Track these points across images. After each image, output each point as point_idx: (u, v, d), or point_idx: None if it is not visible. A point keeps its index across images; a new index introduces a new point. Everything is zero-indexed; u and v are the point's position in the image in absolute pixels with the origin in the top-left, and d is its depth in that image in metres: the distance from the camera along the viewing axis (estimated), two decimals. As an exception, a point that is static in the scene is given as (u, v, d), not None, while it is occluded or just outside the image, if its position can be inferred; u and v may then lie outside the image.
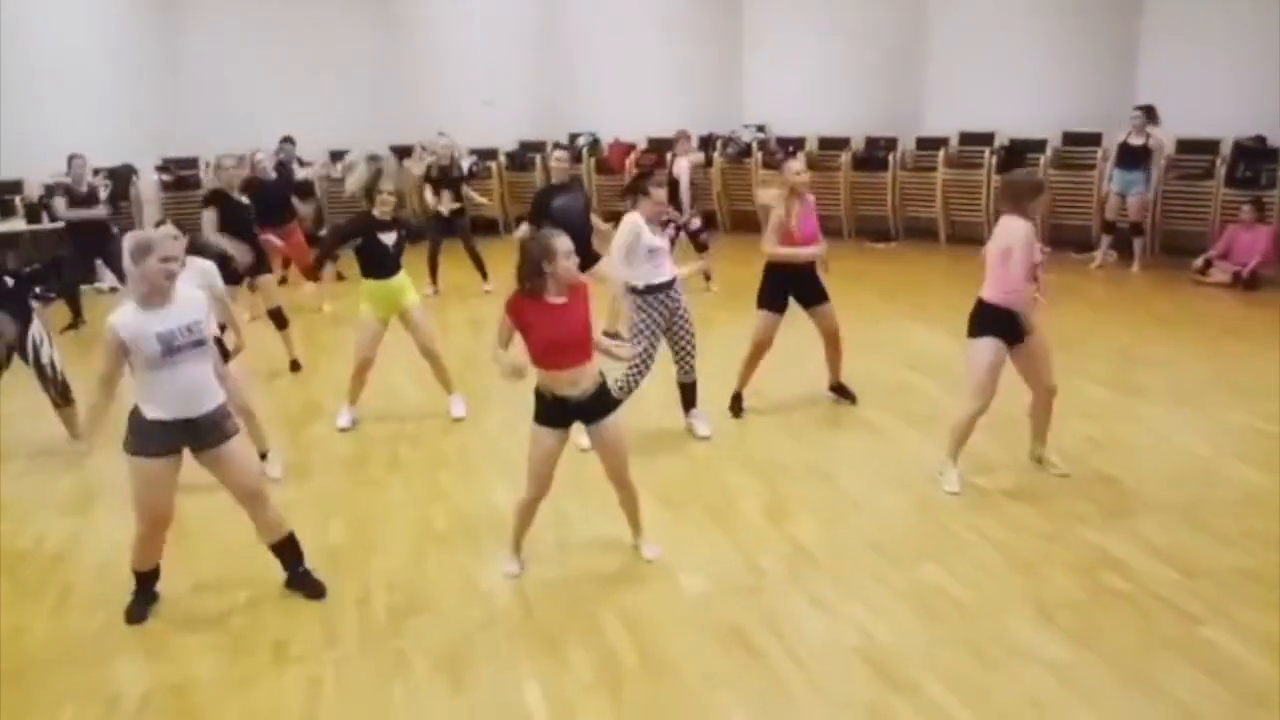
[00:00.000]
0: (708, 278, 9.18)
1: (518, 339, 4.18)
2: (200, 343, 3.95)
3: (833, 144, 11.89)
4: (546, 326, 4.08)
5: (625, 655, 3.85)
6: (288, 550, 4.33)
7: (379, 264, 6.06)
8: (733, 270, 9.32)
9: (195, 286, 4.47)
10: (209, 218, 7.29)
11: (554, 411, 4.20)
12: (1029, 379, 5.06)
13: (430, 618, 4.14)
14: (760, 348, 6.05)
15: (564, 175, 8.02)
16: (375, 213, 6.03)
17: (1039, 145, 10.62)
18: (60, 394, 5.96)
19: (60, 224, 9.53)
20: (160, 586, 4.28)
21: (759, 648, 3.86)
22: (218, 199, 7.45)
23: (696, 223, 9.29)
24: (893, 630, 3.93)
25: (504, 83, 12.69)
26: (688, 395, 5.88)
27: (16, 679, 3.82)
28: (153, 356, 3.86)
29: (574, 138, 12.73)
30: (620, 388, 5.55)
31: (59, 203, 9.28)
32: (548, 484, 4.31)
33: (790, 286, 6.00)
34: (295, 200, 9.61)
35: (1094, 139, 10.50)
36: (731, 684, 3.65)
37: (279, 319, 7.54)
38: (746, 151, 12.22)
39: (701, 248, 9.25)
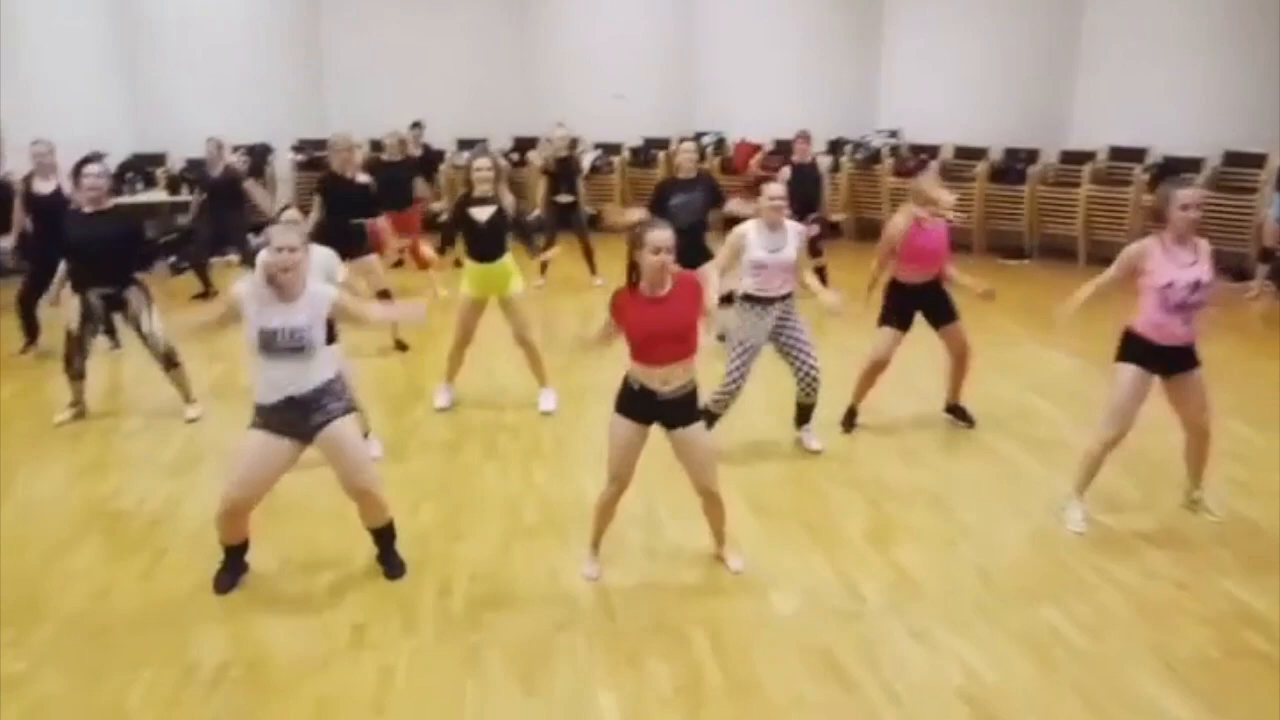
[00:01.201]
0: (820, 278, 8.86)
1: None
2: (300, 349, 3.92)
3: (969, 154, 11.37)
4: (640, 320, 3.90)
5: (708, 671, 3.65)
6: (382, 533, 4.30)
7: (474, 242, 5.98)
8: (853, 280, 8.91)
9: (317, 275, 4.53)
10: (317, 204, 7.32)
11: (635, 403, 4.01)
12: (1180, 416, 4.63)
13: (510, 614, 4.02)
14: (878, 366, 5.73)
15: (690, 170, 7.72)
16: (474, 193, 5.97)
17: (1195, 164, 9.89)
18: (166, 360, 6.09)
19: (199, 198, 9.85)
20: (250, 558, 4.29)
21: (852, 678, 3.59)
22: (325, 183, 7.49)
23: (814, 228, 8.94)
24: (1000, 672, 3.61)
25: (633, 77, 12.61)
26: (803, 412, 5.62)
27: (101, 637, 3.86)
28: (253, 343, 3.92)
29: (699, 136, 12.55)
30: (714, 401, 5.34)
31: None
32: (626, 478, 4.14)
33: (916, 303, 5.67)
34: (420, 181, 9.70)
35: (1257, 160, 9.72)
36: (820, 714, 3.41)
37: (385, 300, 7.58)
38: (876, 157, 11.81)
39: (816, 254, 8.92)
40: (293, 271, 3.89)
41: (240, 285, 3.99)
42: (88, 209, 5.92)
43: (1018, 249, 11.01)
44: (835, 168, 11.66)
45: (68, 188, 7.11)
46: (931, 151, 11.47)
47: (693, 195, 7.32)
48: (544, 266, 9.52)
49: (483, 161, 6.00)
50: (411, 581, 4.25)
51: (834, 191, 10.87)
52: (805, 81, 12.25)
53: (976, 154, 11.32)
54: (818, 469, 5.41)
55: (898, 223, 5.58)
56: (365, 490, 4.14)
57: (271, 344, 3.89)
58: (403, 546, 4.37)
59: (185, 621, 3.95)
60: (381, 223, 7.65)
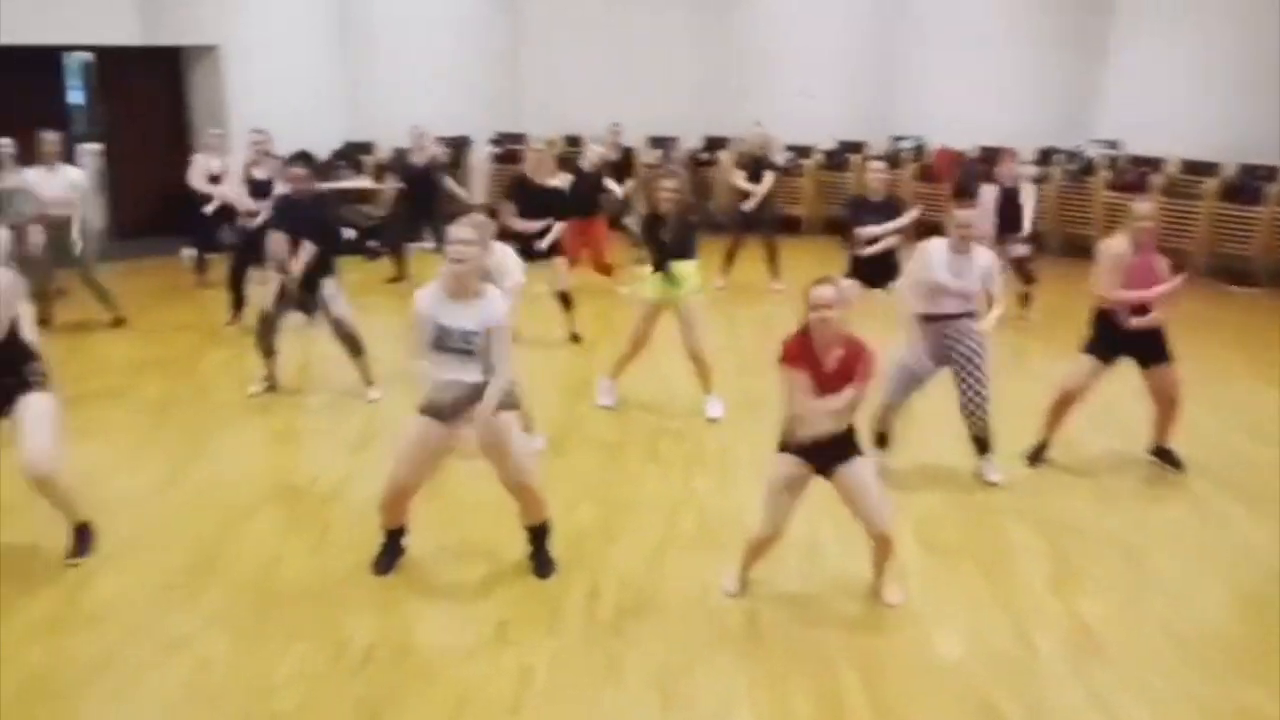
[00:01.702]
0: (1026, 300, 8.31)
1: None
2: (469, 353, 3.95)
3: (1198, 168, 10.40)
4: (810, 382, 3.79)
5: (856, 710, 3.42)
6: (535, 533, 4.29)
7: (656, 255, 5.92)
8: (1057, 301, 8.38)
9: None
10: (508, 208, 7.43)
11: (796, 446, 3.88)
12: None
13: (656, 624, 3.91)
14: (1070, 397, 5.26)
15: (879, 191, 7.31)
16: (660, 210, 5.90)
17: None
18: (351, 346, 6.32)
19: (399, 185, 10.26)
20: (409, 543, 4.36)
21: (1016, 741, 3.28)
22: (516, 186, 7.60)
23: (1022, 249, 8.31)
24: (1193, 758, 3.20)
25: (828, 77, 12.26)
26: (977, 444, 5.24)
27: (264, 607, 4.01)
28: (428, 338, 3.98)
29: (897, 140, 12.07)
30: (874, 418, 5.05)
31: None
32: (780, 523, 3.96)
33: (1126, 339, 5.16)
34: (610, 183, 9.70)
35: None
36: (975, 778, 3.12)
37: (565, 301, 7.63)
38: (1090, 169, 10.99)
39: (1027, 278, 8.33)
40: (466, 268, 3.92)
41: (418, 293, 4.05)
42: (294, 197, 6.24)
43: (1247, 275, 9.98)
44: (1043, 179, 10.93)
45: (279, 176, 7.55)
46: (1154, 165, 10.57)
47: (882, 220, 6.97)
48: (727, 267, 9.39)
49: (669, 183, 5.93)
50: (560, 581, 4.21)
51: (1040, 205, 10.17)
52: (1015, 84, 11.54)
53: (1206, 169, 10.34)
54: (997, 503, 5.02)
55: (1116, 247, 5.07)
56: (524, 486, 4.13)
57: (443, 342, 3.95)
58: (556, 544, 4.34)
59: (341, 599, 4.06)
60: (561, 228, 7.69)
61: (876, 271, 6.78)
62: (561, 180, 7.96)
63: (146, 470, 5.28)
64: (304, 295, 6.30)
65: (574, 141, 12.21)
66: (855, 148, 12.14)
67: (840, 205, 8.98)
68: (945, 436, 5.57)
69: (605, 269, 9.15)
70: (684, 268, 5.94)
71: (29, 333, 4.26)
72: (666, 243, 5.88)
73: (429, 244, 10.83)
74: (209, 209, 8.80)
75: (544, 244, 7.42)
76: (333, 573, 4.26)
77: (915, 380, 5.14)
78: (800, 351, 3.80)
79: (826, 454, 3.87)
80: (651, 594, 4.13)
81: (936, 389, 5.30)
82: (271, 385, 6.46)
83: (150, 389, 6.60)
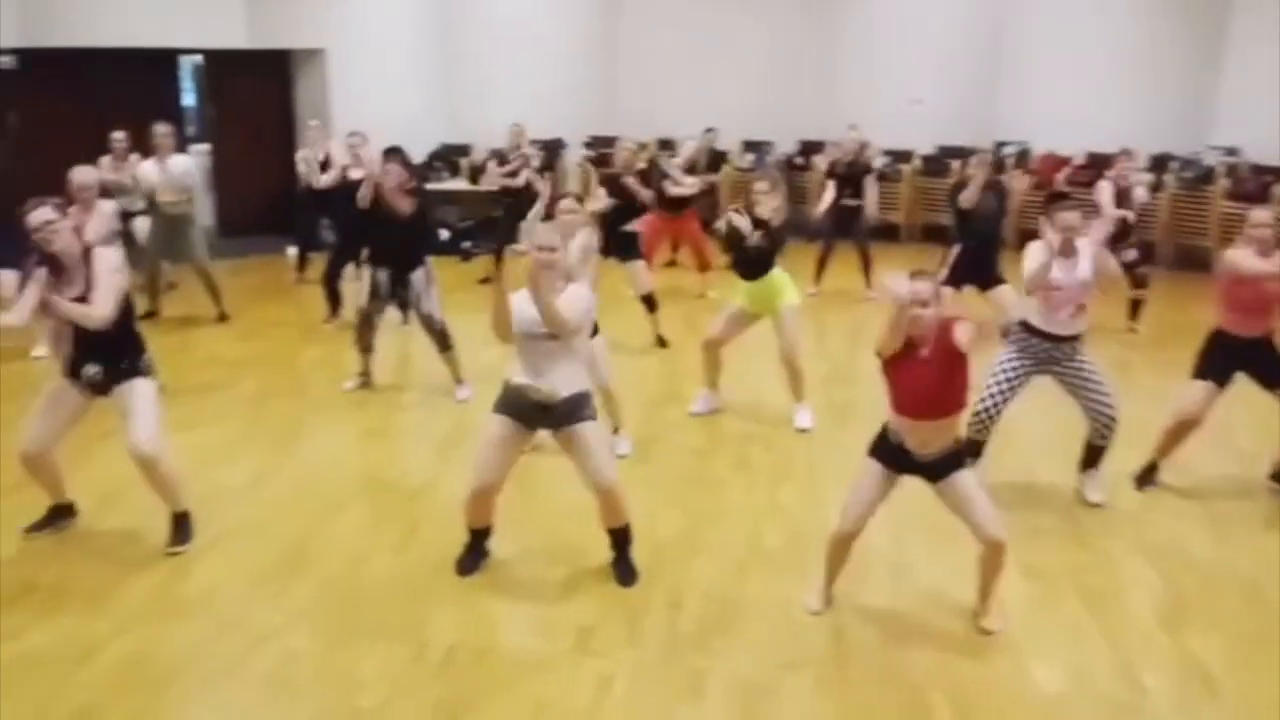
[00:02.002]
0: (1135, 310, 7.95)
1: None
2: (553, 337, 3.92)
3: (1326, 178, 9.83)
4: (906, 374, 3.64)
5: (948, 745, 3.27)
6: (619, 535, 4.23)
7: (743, 263, 5.81)
8: (1168, 314, 8.02)
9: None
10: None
11: (890, 451, 3.76)
12: None
13: (739, 641, 3.81)
14: (1188, 424, 4.97)
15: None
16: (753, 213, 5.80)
17: None
18: (441, 342, 6.37)
19: (494, 187, 10.34)
20: (492, 544, 4.35)
21: (1121, 784, 3.09)
22: (604, 185, 7.60)
23: (1131, 254, 7.96)
24: (1317, 814, 2.96)
25: (930, 80, 11.95)
26: (1092, 454, 4.99)
27: (350, 603, 4.05)
28: (517, 327, 3.96)
29: (1000, 146, 11.69)
30: (970, 426, 4.85)
31: (490, 167, 9.99)
32: (861, 521, 3.84)
33: (1242, 356, 4.87)
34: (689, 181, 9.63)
35: None
36: (1075, 822, 2.94)
37: (650, 303, 7.57)
38: (1208, 177, 10.48)
39: (1138, 284, 7.97)
40: (552, 270, 3.90)
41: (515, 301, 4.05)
42: (388, 197, 6.31)
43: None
44: (1157, 186, 10.46)
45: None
46: (1277, 174, 10.01)
47: (987, 200, 6.83)
48: (819, 274, 9.22)
49: (762, 185, 5.83)
50: (642, 590, 4.14)
51: (1153, 213, 9.74)
52: (1127, 87, 11.10)
53: (1337, 179, 9.76)
54: (1103, 528, 4.77)
55: (1240, 259, 4.77)
56: (607, 489, 4.08)
57: (522, 327, 3.92)
58: (638, 552, 4.28)
59: (425, 598, 4.07)
60: (645, 221, 7.62)
61: (973, 272, 6.60)
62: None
63: (242, 464, 5.40)
64: (398, 293, 6.38)
65: (666, 144, 12.17)
66: (957, 153, 11.80)
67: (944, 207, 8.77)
68: (1039, 452, 5.34)
69: (705, 264, 9.08)
70: (777, 278, 5.82)
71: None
72: (753, 257, 5.75)
73: (524, 246, 10.94)
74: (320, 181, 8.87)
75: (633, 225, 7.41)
76: (418, 571, 4.28)
77: (1019, 383, 4.92)
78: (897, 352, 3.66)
79: (925, 472, 3.74)
80: (734, 608, 4.04)
81: (1033, 399, 5.08)
82: (366, 382, 6.56)
83: (249, 383, 6.76)
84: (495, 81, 11.87)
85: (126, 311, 4.30)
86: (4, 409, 5.92)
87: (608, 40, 12.74)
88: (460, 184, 11.64)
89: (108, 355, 4.25)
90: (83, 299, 4.12)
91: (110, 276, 4.14)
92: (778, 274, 5.82)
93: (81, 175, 6.73)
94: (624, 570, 4.22)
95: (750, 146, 12.26)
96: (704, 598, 4.11)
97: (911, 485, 3.84)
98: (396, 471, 5.38)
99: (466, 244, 10.76)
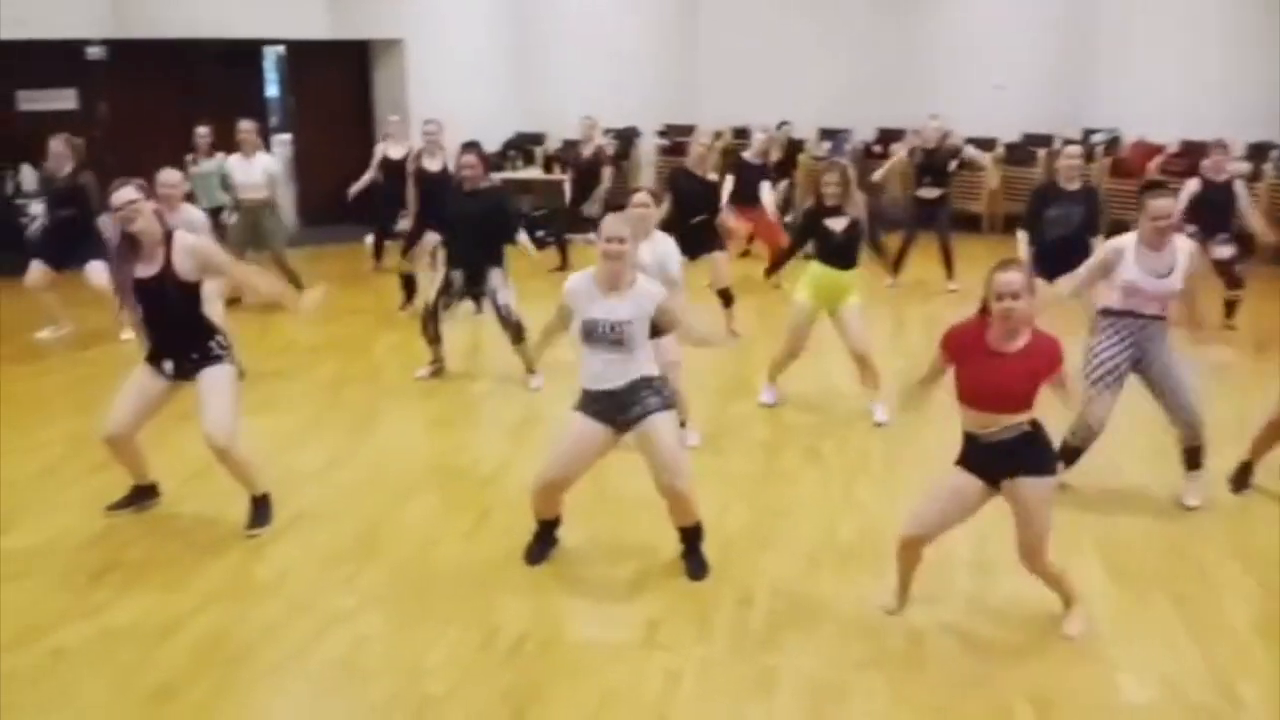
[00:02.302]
0: (1230, 309, 7.60)
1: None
2: (619, 342, 3.88)
3: None
4: (975, 369, 3.48)
5: (1029, 753, 3.14)
6: (687, 534, 4.18)
7: (828, 251, 5.69)
8: (1266, 310, 7.64)
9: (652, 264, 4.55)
10: (666, 201, 7.33)
11: (967, 452, 3.62)
12: None
13: (810, 639, 3.72)
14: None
15: (1073, 180, 6.81)
16: (824, 203, 5.67)
17: None
18: (514, 334, 6.38)
19: (567, 176, 10.35)
20: (562, 534, 4.33)
21: (1215, 803, 2.93)
22: (676, 177, 7.50)
23: (1226, 251, 7.60)
24: None
25: (1015, 66, 11.61)
26: (1189, 456, 4.77)
27: (421, 588, 4.06)
28: (577, 332, 3.95)
29: (1089, 134, 11.30)
30: (1071, 433, 4.66)
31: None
32: (928, 529, 3.71)
33: None
34: (765, 184, 9.49)
35: None
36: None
37: (726, 298, 7.47)
38: (1311, 166, 9.98)
39: (1233, 283, 7.62)
40: (619, 262, 3.84)
41: (570, 279, 4.01)
42: (466, 188, 6.34)
43: None
44: (1255, 176, 9.99)
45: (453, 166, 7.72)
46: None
47: (1072, 209, 6.51)
48: (897, 267, 9.03)
49: (831, 176, 5.69)
50: (712, 585, 4.08)
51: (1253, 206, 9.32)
52: (1222, 74, 10.63)
53: None
54: (1196, 532, 4.56)
55: None
56: (676, 490, 4.02)
57: (592, 334, 3.89)
58: (707, 546, 4.21)
59: (495, 586, 4.06)
60: (732, 221, 7.51)
61: (1060, 265, 6.35)
62: (716, 176, 7.79)
63: (317, 448, 5.48)
64: (471, 284, 6.41)
65: (742, 134, 12.04)
66: (1043, 141, 11.45)
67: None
68: (1129, 454, 5.13)
69: (776, 256, 8.95)
70: (849, 275, 5.70)
71: (213, 307, 4.46)
72: (842, 244, 5.63)
73: (593, 236, 10.93)
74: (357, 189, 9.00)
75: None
76: (487, 558, 4.28)
77: (1118, 383, 4.70)
78: (968, 341, 3.52)
79: (999, 461, 3.55)
80: (806, 606, 3.95)
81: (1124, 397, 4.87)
82: (438, 370, 6.61)
83: (325, 369, 6.87)
84: (570, 71, 11.88)
85: (195, 303, 4.35)
86: (93, 390, 6.10)
87: (685, 27, 12.64)
88: (534, 173, 11.68)
89: (179, 349, 4.33)
90: (156, 280, 4.19)
91: (210, 253, 4.29)
92: (849, 274, 5.70)
93: (167, 175, 6.89)
94: (694, 564, 4.16)
95: (827, 134, 12.05)
96: (774, 594, 4.03)
97: (993, 483, 3.70)
98: (467, 459, 5.40)
99: (539, 233, 10.78)
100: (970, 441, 3.59)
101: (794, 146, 10.93)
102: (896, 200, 10.37)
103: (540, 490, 4.12)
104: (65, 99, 10.37)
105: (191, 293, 4.31)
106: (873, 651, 3.65)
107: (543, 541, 4.28)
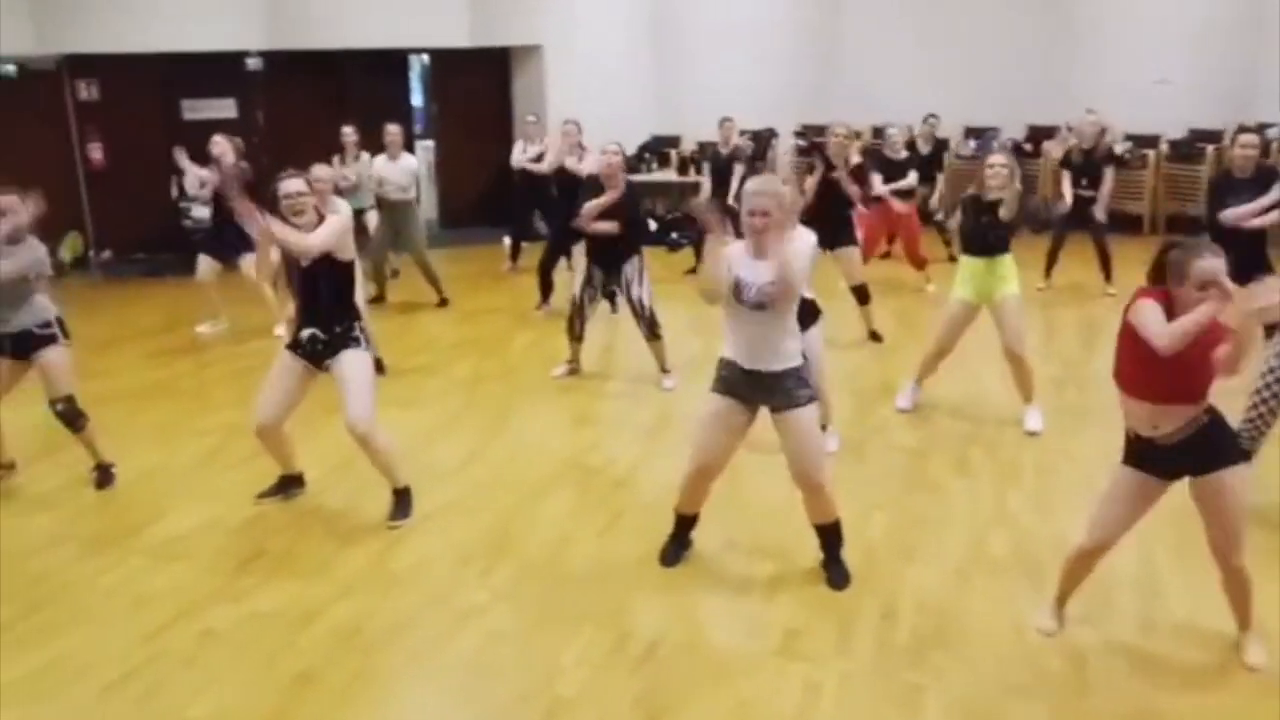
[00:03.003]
0: None
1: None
2: (762, 307, 3.73)
3: None
4: (1147, 350, 3.11)
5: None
6: (829, 533, 4.01)
7: (977, 240, 5.42)
8: None
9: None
10: (809, 184, 7.14)
11: (1137, 452, 3.31)
12: None
13: (959, 658, 3.50)
14: None
15: (1247, 168, 6.29)
16: (984, 192, 5.38)
17: None
18: (649, 329, 6.32)
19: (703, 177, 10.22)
20: (697, 537, 4.23)
21: None
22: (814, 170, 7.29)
23: None
24: None
25: (1178, 57, 10.89)
26: None
27: (554, 587, 4.02)
28: (729, 293, 3.76)
29: (1263, 128, 10.48)
30: (1242, 433, 4.25)
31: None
32: (1112, 535, 3.41)
33: None
34: (913, 177, 9.13)
35: None
36: None
37: (862, 295, 7.22)
38: None
39: None
40: (762, 235, 3.69)
41: (731, 245, 3.89)
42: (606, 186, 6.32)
43: None
44: None
45: (589, 165, 7.74)
46: None
47: (1252, 198, 6.01)
48: (1048, 269, 8.58)
49: (997, 159, 5.38)
50: (853, 595, 3.90)
51: None
52: None
53: None
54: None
55: None
56: (814, 482, 3.87)
57: (739, 293, 3.73)
58: (848, 553, 4.04)
59: (628, 588, 3.99)
60: (862, 212, 7.26)
61: (1241, 262, 5.86)
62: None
63: (454, 444, 5.53)
64: (610, 284, 6.40)
65: (881, 133, 11.69)
66: (1211, 136, 10.71)
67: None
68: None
69: (917, 259, 8.65)
70: (1003, 262, 5.40)
71: (357, 293, 4.52)
72: (988, 230, 5.36)
73: (730, 237, 10.81)
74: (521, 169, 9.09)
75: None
76: (621, 559, 4.21)
77: None
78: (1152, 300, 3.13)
79: (1178, 456, 3.24)
80: (955, 622, 3.72)
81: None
82: (574, 369, 6.61)
83: (463, 367, 6.97)
84: (705, 73, 11.78)
85: (346, 280, 4.45)
86: (249, 383, 6.35)
87: (824, 24, 12.35)
88: (669, 175, 11.64)
89: (325, 320, 4.40)
90: (316, 264, 4.29)
91: (332, 223, 4.34)
92: (1009, 259, 5.40)
93: (319, 170, 7.14)
94: (835, 573, 3.99)
95: (973, 133, 11.59)
96: (921, 608, 3.81)
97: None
98: (601, 458, 5.35)
99: (674, 235, 10.74)
100: (1140, 440, 3.30)
101: (940, 145, 10.50)
102: (1047, 200, 9.88)
103: (691, 478, 4.02)
104: (225, 108, 10.92)
105: (342, 271, 4.42)
106: (1029, 675, 3.40)
107: (678, 542, 4.19)
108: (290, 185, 4.29)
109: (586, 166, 8.10)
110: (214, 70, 10.72)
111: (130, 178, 10.67)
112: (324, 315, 4.41)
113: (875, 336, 7.24)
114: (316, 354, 4.43)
